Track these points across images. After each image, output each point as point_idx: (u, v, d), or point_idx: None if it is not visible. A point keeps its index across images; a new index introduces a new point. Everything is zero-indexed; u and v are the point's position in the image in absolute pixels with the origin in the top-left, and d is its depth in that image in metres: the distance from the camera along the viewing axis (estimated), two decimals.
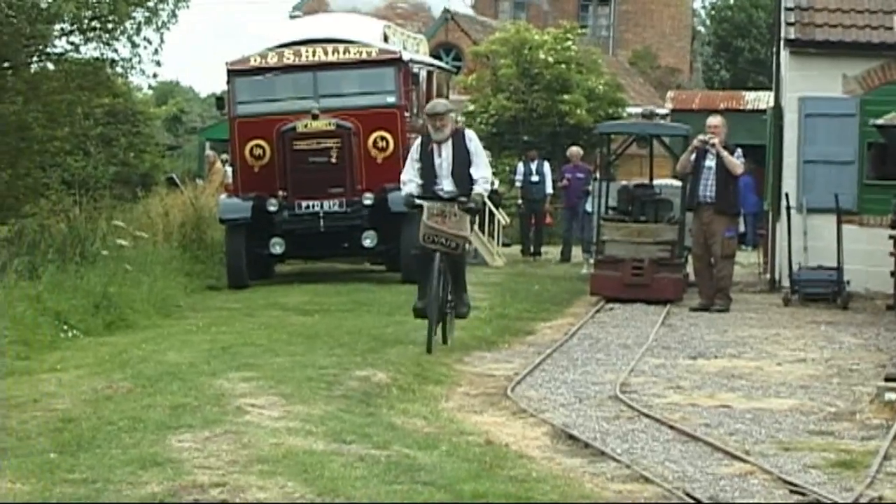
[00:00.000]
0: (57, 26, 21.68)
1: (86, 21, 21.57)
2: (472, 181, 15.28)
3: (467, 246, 16.65)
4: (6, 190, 21.34)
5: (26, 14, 20.40)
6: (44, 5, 20.94)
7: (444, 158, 15.31)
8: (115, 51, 23.36)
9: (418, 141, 15.81)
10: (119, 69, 24.54)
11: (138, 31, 22.83)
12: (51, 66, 23.74)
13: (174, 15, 23.19)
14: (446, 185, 15.31)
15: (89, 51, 23.41)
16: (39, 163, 23.08)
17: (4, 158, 22.53)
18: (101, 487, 8.94)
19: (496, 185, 32.30)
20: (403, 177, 15.88)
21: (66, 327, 17.18)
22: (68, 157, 24.89)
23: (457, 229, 15.02)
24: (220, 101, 26.71)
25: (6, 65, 22.43)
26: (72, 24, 21.76)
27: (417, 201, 15.39)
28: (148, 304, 19.14)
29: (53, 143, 23.76)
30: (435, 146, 15.35)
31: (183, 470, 9.29)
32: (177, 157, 55.44)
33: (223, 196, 25.20)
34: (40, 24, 21.12)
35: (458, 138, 15.40)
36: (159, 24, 22.93)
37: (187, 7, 23.67)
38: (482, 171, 15.44)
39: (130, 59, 23.78)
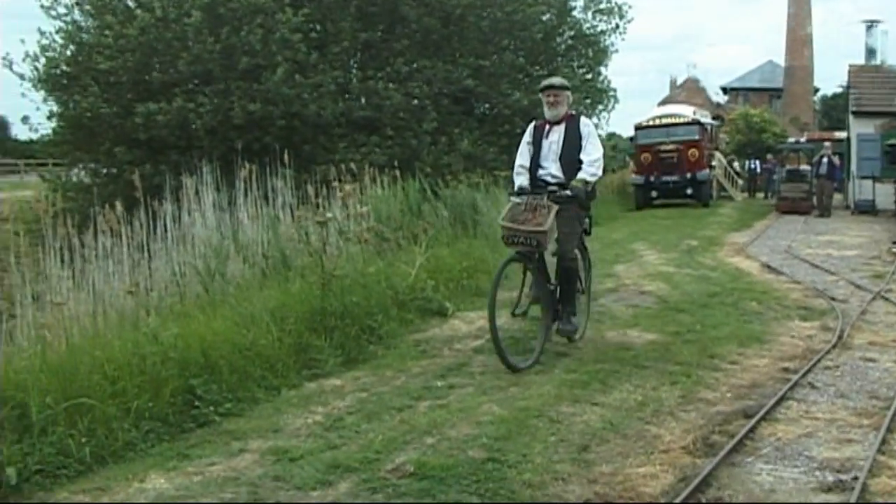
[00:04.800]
0: None
1: None
2: (580, 166, 6.02)
3: (577, 254, 6.31)
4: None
5: None
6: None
7: (553, 140, 6.17)
8: None
9: (532, 124, 6.40)
10: None
11: None
12: None
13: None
14: (553, 169, 6.12)
15: None
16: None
17: None
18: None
19: (735, 166, 29.77)
20: (517, 163, 6.27)
21: None
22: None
23: (537, 225, 5.76)
24: (632, 139, 25.67)
25: None
26: None
27: (517, 199, 6.02)
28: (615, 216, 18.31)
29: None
30: (547, 126, 6.22)
31: (621, 279, 9.55)
32: None
33: (633, 175, 24.58)
34: None
35: (573, 122, 6.18)
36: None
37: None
38: (592, 155, 6.05)
39: None
